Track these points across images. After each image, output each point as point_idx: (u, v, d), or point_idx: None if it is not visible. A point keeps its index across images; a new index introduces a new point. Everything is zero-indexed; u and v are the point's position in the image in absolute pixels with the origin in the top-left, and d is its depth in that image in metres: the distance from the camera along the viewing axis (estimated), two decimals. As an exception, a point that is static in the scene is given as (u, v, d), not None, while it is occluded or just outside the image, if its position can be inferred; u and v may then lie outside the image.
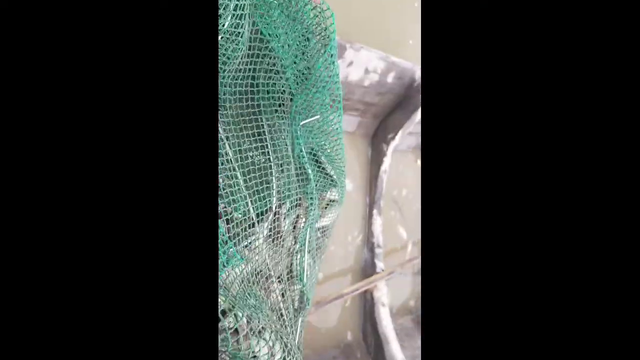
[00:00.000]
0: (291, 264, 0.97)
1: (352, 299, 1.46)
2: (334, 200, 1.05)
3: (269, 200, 0.77)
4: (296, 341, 0.82)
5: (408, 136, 1.73)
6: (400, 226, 1.75)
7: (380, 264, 1.47)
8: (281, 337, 0.68)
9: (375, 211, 1.51)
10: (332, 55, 0.75)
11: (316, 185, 0.95)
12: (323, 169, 1.00)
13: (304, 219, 0.92)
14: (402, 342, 1.43)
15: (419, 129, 1.67)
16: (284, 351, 0.67)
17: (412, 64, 1.37)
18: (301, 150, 0.88)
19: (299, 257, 1.00)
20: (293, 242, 0.91)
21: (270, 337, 0.65)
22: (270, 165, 0.78)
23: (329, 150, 0.99)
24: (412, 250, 1.76)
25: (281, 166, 0.81)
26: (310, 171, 0.89)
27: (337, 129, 0.95)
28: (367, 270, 1.48)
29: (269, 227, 0.79)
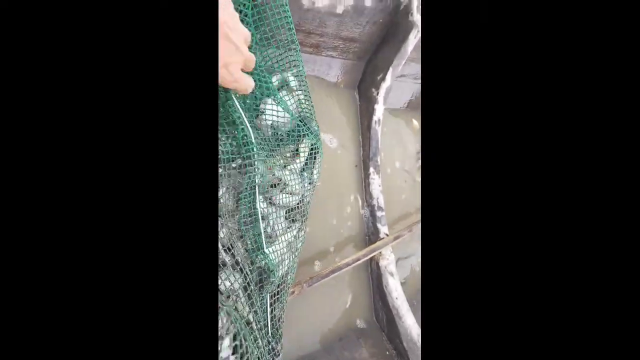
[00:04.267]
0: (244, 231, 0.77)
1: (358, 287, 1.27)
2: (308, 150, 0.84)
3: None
4: (267, 323, 0.65)
5: (401, 83, 1.48)
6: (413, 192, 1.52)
7: (383, 229, 1.26)
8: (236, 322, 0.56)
9: (372, 169, 1.29)
10: None
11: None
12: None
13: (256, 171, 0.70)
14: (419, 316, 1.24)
15: (411, 70, 1.41)
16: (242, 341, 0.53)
17: (395, -19, 1.10)
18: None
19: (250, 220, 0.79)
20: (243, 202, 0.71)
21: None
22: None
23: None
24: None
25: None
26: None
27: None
28: (369, 237, 1.28)
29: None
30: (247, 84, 0.60)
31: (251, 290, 0.62)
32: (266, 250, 0.66)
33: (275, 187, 0.80)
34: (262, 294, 0.65)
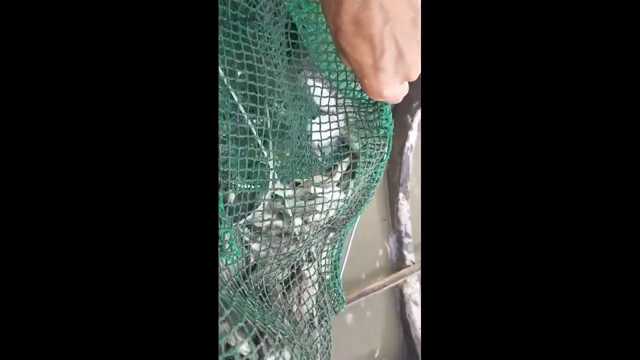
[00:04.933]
0: (319, 255, 0.77)
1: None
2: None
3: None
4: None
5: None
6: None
7: (410, 256, 1.25)
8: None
9: (401, 195, 1.29)
10: None
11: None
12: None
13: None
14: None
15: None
16: None
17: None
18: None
19: (331, 244, 0.79)
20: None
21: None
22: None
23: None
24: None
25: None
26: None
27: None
28: (395, 264, 1.26)
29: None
30: (403, 92, 0.45)
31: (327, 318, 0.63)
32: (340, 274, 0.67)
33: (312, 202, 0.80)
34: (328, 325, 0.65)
